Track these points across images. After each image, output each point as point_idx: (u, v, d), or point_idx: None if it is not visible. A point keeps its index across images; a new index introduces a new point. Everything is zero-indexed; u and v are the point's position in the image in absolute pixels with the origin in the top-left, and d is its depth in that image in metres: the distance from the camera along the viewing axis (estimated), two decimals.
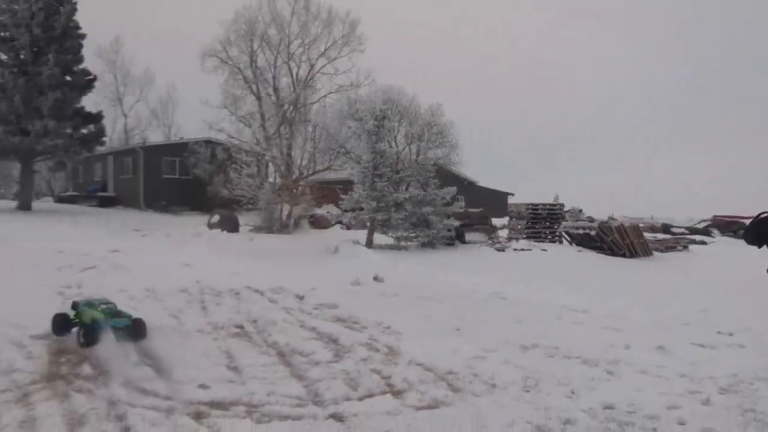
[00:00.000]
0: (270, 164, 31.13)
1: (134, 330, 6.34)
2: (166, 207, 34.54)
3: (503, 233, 22.42)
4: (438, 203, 18.94)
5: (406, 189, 19.86)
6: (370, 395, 5.33)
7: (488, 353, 6.80)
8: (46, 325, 6.91)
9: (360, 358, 6.44)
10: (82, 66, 29.72)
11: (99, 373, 5.56)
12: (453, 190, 19.74)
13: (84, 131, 29.56)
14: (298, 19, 38.49)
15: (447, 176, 27.75)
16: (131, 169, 36.70)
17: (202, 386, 5.34)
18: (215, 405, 4.92)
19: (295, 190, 24.97)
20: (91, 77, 30.09)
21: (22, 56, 28.26)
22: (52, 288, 9.60)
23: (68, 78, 28.93)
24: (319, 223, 25.30)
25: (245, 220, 25.06)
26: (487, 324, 8.63)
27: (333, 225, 25.22)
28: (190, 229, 23.31)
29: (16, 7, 27.67)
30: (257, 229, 23.21)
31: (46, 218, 25.72)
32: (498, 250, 19.32)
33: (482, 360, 6.53)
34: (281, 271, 12.69)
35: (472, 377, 5.89)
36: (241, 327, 7.67)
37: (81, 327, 6.47)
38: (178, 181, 35.93)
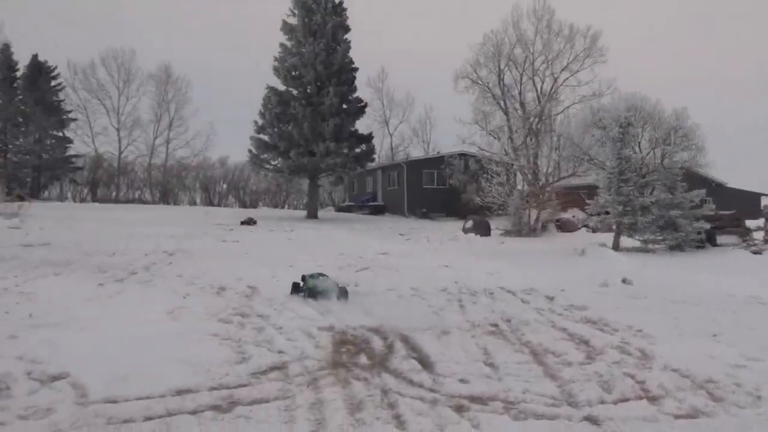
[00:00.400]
0: (518, 173, 30.98)
1: (339, 292, 8.91)
2: (425, 214, 35.75)
3: (758, 235, 20.01)
4: (686, 206, 17.42)
5: (651, 192, 18.59)
6: (625, 399, 5.00)
7: (750, 362, 6.03)
8: (330, 320, 7.44)
9: (612, 361, 6.05)
10: (355, 95, 31.74)
11: (373, 363, 5.82)
12: (702, 192, 18.03)
13: (358, 150, 31.54)
14: (541, 37, 38.14)
15: (694, 179, 25.56)
16: (396, 181, 38.47)
17: (462, 381, 5.36)
18: (474, 399, 4.91)
19: (541, 196, 24.51)
20: (363, 104, 32.03)
21: (308, 90, 30.86)
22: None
23: (345, 106, 31.04)
24: (565, 226, 24.57)
25: (496, 224, 25.08)
26: (747, 330, 7.67)
27: (579, 228, 24.35)
28: (447, 234, 23.84)
29: (303, 50, 30.32)
30: (507, 233, 23.14)
31: (328, 225, 27.81)
32: (754, 252, 17.25)
33: (744, 369, 5.81)
34: (531, 272, 12.38)
35: (735, 387, 5.28)
36: (496, 325, 7.56)
37: (306, 290, 9.01)
38: (436, 190, 36.99)
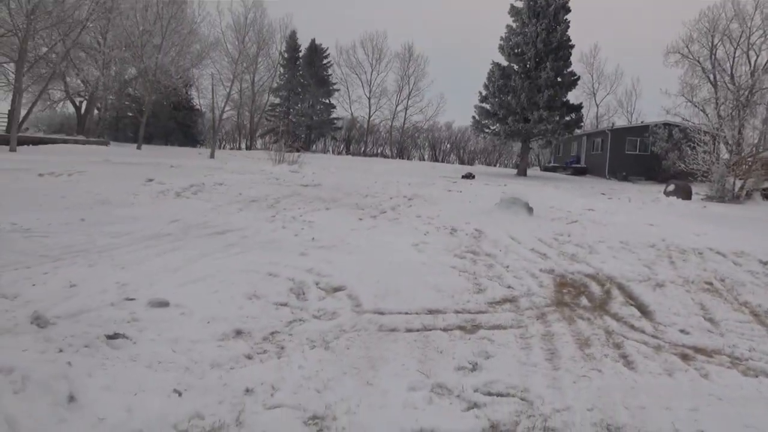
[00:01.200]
0: (721, 143, 27.32)
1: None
2: (625, 177, 33.00)
3: None
4: None
5: None
6: None
7: None
8: (551, 264, 7.07)
9: None
10: (569, 69, 29.78)
11: (594, 306, 5.41)
12: None
13: (567, 118, 29.75)
14: (761, 12, 32.83)
15: None
16: (600, 146, 35.86)
17: (683, 331, 4.79)
18: (699, 350, 4.36)
19: (746, 165, 21.27)
20: (575, 78, 29.98)
21: (527, 65, 29.60)
22: (549, 233, 9.77)
23: (559, 79, 29.31)
24: None
25: (696, 190, 22.34)
26: None
27: None
28: (648, 195, 21.73)
29: (526, 30, 28.99)
30: (708, 198, 20.48)
31: (536, 181, 26.82)
32: None
33: None
34: (739, 236, 10.76)
35: None
36: (710, 283, 6.63)
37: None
38: (637, 156, 33.86)
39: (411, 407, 3.13)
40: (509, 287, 5.86)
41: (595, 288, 6.09)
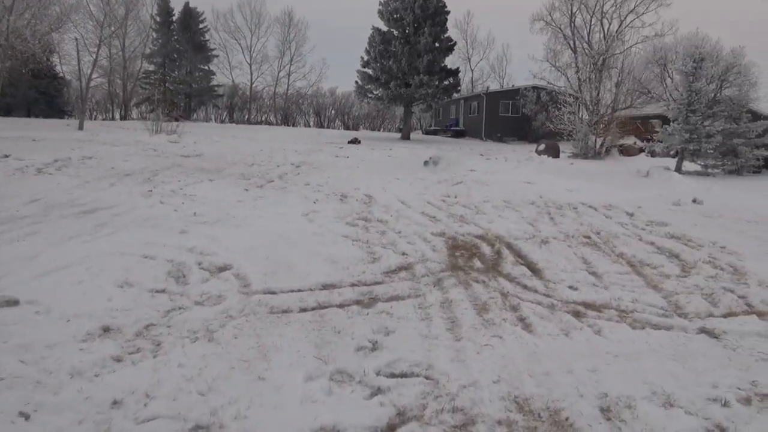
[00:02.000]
0: (581, 104, 29.08)
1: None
2: (500, 138, 34.28)
3: None
4: (750, 135, 15.57)
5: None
6: (733, 314, 4.29)
7: None
8: (441, 227, 6.92)
9: (707, 275, 5.25)
10: (446, 35, 29.97)
11: (487, 267, 5.30)
12: (767, 123, 16.02)
13: (446, 83, 30.09)
14: None
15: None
16: (476, 109, 36.85)
17: (572, 287, 4.78)
18: (588, 306, 4.34)
19: (604, 125, 22.75)
20: (452, 43, 30.26)
21: (407, 31, 29.40)
22: (437, 196, 9.69)
23: (437, 44, 29.42)
24: (627, 151, 22.78)
25: (563, 148, 23.60)
26: None
27: (639, 153, 22.56)
28: (521, 155, 22.64)
29: None
30: (574, 155, 21.72)
31: (419, 145, 27.03)
32: None
33: None
34: (605, 190, 11.35)
35: None
36: (588, 237, 6.78)
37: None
38: (510, 118, 35.22)
39: (309, 401, 2.74)
40: (404, 254, 5.61)
41: (485, 249, 6.00)
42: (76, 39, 32.92)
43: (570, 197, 10.24)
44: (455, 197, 9.67)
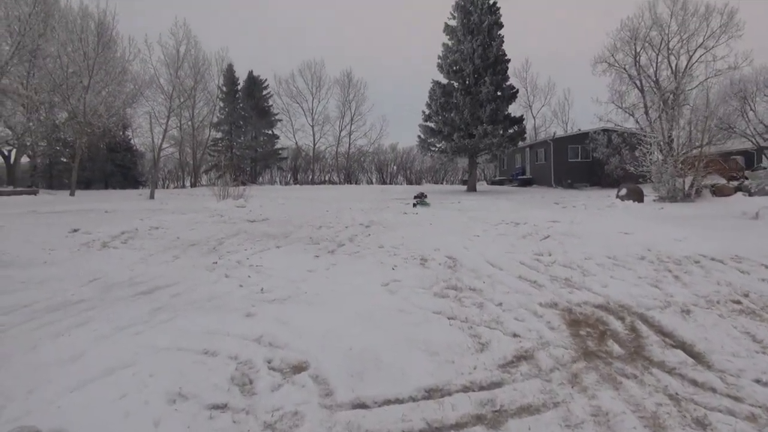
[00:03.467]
0: (653, 144, 27.38)
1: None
2: (570, 184, 32.70)
3: None
4: None
5: None
6: None
7: None
8: (550, 295, 5.74)
9: None
10: (508, 83, 29.23)
11: (629, 353, 4.08)
12: None
13: (510, 131, 29.13)
14: (676, 19, 33.63)
15: None
16: (543, 156, 35.53)
17: (759, 381, 3.50)
18: None
19: (690, 164, 20.95)
20: (514, 90, 29.43)
21: (467, 82, 28.93)
22: (528, 254, 8.53)
23: (499, 93, 28.72)
24: (720, 191, 20.79)
25: (646, 191, 21.84)
26: None
27: (734, 193, 20.50)
28: (599, 201, 21.08)
29: (462, 47, 28.33)
30: (661, 199, 19.98)
31: (488, 196, 25.90)
32: None
33: None
34: (717, 237, 9.78)
35: None
36: (737, 302, 5.39)
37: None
38: (580, 163, 33.66)
39: None
40: (515, 335, 4.49)
41: (616, 324, 4.78)
42: (150, 113, 34.39)
43: (683, 248, 8.79)
44: (549, 255, 8.46)
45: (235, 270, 7.46)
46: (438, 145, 30.14)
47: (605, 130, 32.39)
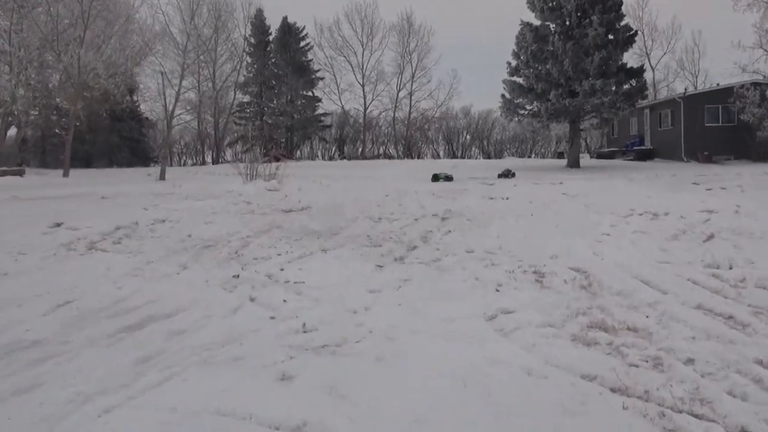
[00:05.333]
0: None
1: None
2: (708, 157, 30.35)
3: None
4: None
5: None
6: None
7: None
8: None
9: None
10: (623, 23, 27.25)
11: None
12: None
13: (626, 87, 27.20)
14: None
15: None
16: (670, 120, 33.19)
17: None
18: None
19: None
20: (632, 32, 27.46)
21: (567, 22, 27.30)
22: (696, 264, 7.08)
23: (611, 36, 26.87)
24: None
25: None
26: None
27: None
28: (762, 180, 19.06)
29: None
30: None
31: (597, 174, 24.21)
32: None
33: None
34: None
35: None
36: None
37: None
38: (721, 128, 31.21)
39: None
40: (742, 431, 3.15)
41: None
42: (162, 72, 34.08)
43: None
44: (730, 267, 6.97)
45: (265, 289, 6.40)
46: (528, 107, 28.71)
47: (756, 84, 29.75)
